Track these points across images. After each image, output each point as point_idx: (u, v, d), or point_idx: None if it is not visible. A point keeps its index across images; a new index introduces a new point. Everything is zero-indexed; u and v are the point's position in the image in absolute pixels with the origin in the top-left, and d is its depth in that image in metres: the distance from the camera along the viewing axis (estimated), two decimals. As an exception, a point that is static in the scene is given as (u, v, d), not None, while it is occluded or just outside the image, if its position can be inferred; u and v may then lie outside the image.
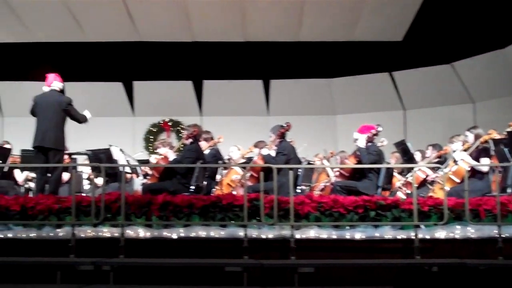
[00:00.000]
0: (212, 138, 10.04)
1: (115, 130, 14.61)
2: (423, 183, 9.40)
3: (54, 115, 8.66)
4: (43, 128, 8.59)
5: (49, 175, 8.69)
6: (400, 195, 9.12)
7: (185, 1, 11.95)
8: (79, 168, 10.41)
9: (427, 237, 7.25)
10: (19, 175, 10.41)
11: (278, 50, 14.25)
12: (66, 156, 10.08)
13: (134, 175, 10.64)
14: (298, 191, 9.09)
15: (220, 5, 12.12)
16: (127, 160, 10.10)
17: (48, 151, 8.58)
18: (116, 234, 7.32)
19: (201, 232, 7.39)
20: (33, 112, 8.78)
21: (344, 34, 13.53)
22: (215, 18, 12.62)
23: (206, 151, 9.64)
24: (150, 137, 15.50)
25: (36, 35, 13.53)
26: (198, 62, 14.68)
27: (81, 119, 8.92)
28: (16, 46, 14.01)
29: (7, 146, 10.16)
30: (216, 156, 9.82)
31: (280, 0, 11.95)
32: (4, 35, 13.67)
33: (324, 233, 7.37)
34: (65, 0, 11.98)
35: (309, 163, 10.60)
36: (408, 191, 9.25)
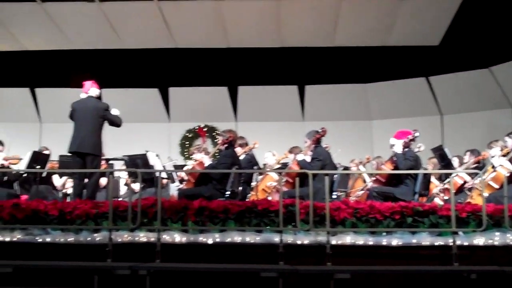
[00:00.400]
0: (247, 144, 10.05)
1: (151, 135, 14.73)
2: (461, 189, 9.27)
3: (92, 121, 8.79)
4: (81, 134, 8.72)
5: (86, 180, 8.81)
6: (438, 201, 9.00)
7: (221, 7, 12.00)
8: (116, 174, 10.52)
9: (465, 244, 7.15)
10: (58, 180, 10.57)
11: (314, 55, 14.21)
12: (103, 162, 10.21)
13: (169, 181, 10.71)
14: (334, 196, 9.04)
15: (255, 11, 12.13)
16: (163, 166, 10.16)
17: (85, 156, 8.69)
18: (153, 239, 7.37)
19: (236, 238, 7.39)
20: (72, 118, 8.92)
21: (380, 39, 13.43)
22: (250, 24, 12.64)
23: (241, 157, 9.65)
24: (186, 142, 15.56)
25: (75, 42, 13.73)
26: (233, 68, 14.72)
27: (120, 123, 9.03)
28: (55, 53, 14.24)
29: (46, 152, 10.32)
30: (251, 161, 9.83)
31: (316, 5, 11.91)
32: (43, 43, 13.91)
33: (360, 239, 7.32)
34: (103, 8, 12.11)
35: (345, 169, 10.55)
36: (446, 197, 9.12)
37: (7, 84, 15.13)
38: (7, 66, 14.77)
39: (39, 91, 15.26)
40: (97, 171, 8.81)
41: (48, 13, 12.33)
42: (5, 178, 9.96)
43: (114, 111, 9.05)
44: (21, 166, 9.75)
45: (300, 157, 9.07)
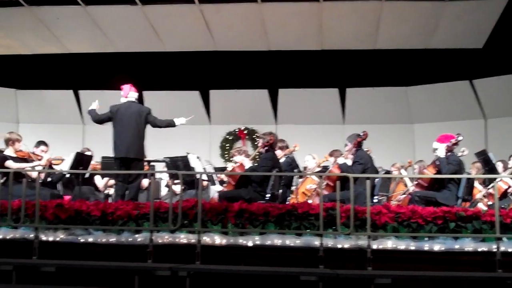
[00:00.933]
0: (287, 147, 10.03)
1: (192, 138, 14.81)
2: (505, 194, 9.11)
3: (135, 126, 8.88)
4: (126, 139, 8.82)
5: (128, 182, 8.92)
6: (481, 206, 8.85)
7: (261, 10, 12.00)
8: (158, 175, 10.61)
9: (510, 250, 7.01)
10: (100, 181, 10.70)
11: (355, 58, 14.12)
12: (145, 163, 10.31)
13: (210, 183, 10.75)
14: (375, 200, 8.96)
15: (296, 13, 12.10)
16: (203, 168, 10.21)
17: (130, 161, 8.80)
18: (193, 241, 7.41)
19: (276, 240, 7.39)
20: (110, 121, 9.02)
21: (422, 41, 13.26)
22: (291, 26, 12.61)
23: (282, 160, 9.63)
24: (226, 145, 15.61)
25: (117, 45, 13.89)
26: (274, 70, 14.73)
27: (163, 125, 9.11)
28: (98, 56, 14.44)
29: (88, 153, 10.46)
30: (291, 164, 9.82)
31: (357, 7, 11.82)
32: (87, 46, 14.12)
33: (401, 244, 7.25)
34: (145, 11, 12.23)
35: (386, 173, 10.43)
36: (490, 202, 8.96)
37: (51, 86, 15.42)
38: (51, 69, 15.05)
39: (82, 93, 15.49)
40: (140, 173, 8.89)
41: (91, 16, 12.51)
42: (49, 178, 10.12)
43: (181, 120, 9.25)
44: (65, 167, 9.89)
45: (341, 160, 9.02)
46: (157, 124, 9.06)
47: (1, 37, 13.75)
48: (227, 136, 15.70)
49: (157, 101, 14.21)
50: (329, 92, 15.03)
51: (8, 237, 7.80)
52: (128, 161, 8.82)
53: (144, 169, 10.08)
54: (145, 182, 10.25)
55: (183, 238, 7.53)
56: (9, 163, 9.04)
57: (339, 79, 14.75)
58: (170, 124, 9.17)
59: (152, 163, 10.72)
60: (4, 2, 12.11)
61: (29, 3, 12.13)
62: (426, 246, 7.20)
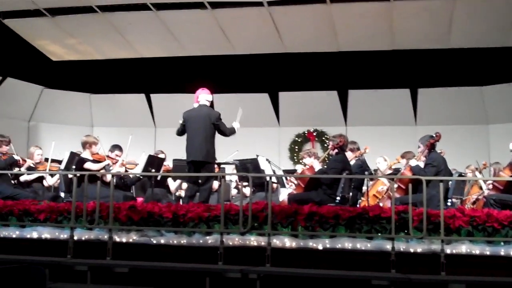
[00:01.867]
0: (358, 149, 9.91)
1: (261, 140, 14.86)
2: None
3: (205, 129, 8.96)
4: (195, 142, 8.92)
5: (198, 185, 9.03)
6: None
7: (331, 11, 11.91)
8: (228, 177, 10.68)
9: None
10: (172, 184, 10.86)
11: (427, 57, 13.83)
12: (215, 166, 10.40)
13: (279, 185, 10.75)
14: (449, 204, 8.74)
15: (366, 13, 11.95)
16: (273, 170, 10.21)
17: (201, 164, 8.89)
18: (263, 243, 7.42)
19: (347, 244, 7.32)
20: (183, 130, 9.14)
21: (498, 39, 12.85)
22: (361, 26, 12.46)
23: (352, 162, 9.53)
24: (295, 147, 15.57)
25: (188, 49, 14.08)
26: (343, 71, 14.60)
27: (228, 133, 9.17)
28: (169, 60, 14.68)
29: (161, 155, 10.63)
30: (362, 166, 9.70)
31: (429, 6, 11.57)
32: (158, 50, 14.37)
33: (476, 249, 7.07)
34: (215, 15, 12.35)
35: (460, 175, 10.17)
36: None
37: (124, 90, 15.78)
38: (124, 73, 15.40)
39: (154, 96, 15.78)
40: (211, 175, 8.97)
41: (162, 21, 12.72)
42: (123, 181, 10.35)
43: (235, 124, 9.23)
44: (138, 169, 10.09)
45: (413, 162, 8.85)
46: (221, 130, 9.11)
47: (76, 43, 14.17)
48: (296, 138, 15.65)
49: (227, 103, 14.31)
50: (400, 93, 14.78)
51: (83, 238, 8.02)
52: (199, 164, 8.91)
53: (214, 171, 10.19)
54: (215, 184, 10.34)
55: (253, 240, 7.56)
56: (88, 165, 9.29)
57: (411, 79, 14.48)
58: (232, 132, 9.22)
59: (222, 166, 10.80)
60: (78, 9, 12.47)
61: (102, 10, 12.45)
62: (502, 251, 7.00)
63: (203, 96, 9.22)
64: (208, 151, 8.93)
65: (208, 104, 9.23)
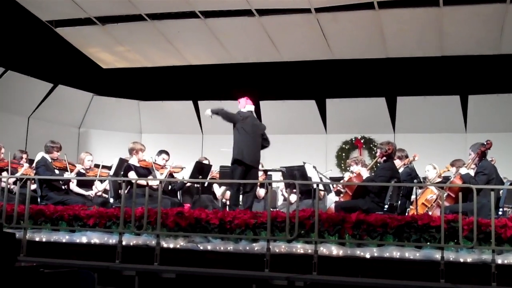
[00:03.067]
0: (406, 156, 9.78)
1: (308, 147, 14.82)
2: None
3: (258, 137, 9.23)
4: (253, 148, 9.15)
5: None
6: None
7: (379, 17, 11.80)
8: (274, 185, 10.67)
9: None
10: (218, 190, 10.90)
11: (477, 64, 13.57)
12: (261, 173, 10.43)
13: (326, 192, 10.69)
14: (500, 213, 8.56)
15: (415, 19, 11.80)
16: (320, 178, 10.16)
17: (251, 169, 8.98)
18: (310, 251, 7.39)
19: (395, 253, 7.23)
20: (232, 118, 9.36)
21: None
22: (410, 32, 12.31)
23: (401, 169, 9.41)
24: (342, 154, 15.46)
25: (235, 56, 14.14)
26: (391, 78, 14.44)
27: (267, 145, 9.44)
28: (216, 67, 14.77)
29: (205, 162, 10.69)
30: (411, 174, 9.55)
31: (479, 11, 11.34)
32: (205, 57, 14.48)
33: (529, 259, 6.87)
34: (262, 22, 12.37)
35: (512, 184, 9.94)
36: None
37: (172, 97, 15.94)
38: (172, 80, 15.57)
39: (201, 103, 15.89)
40: (258, 182, 9.04)
41: (210, 28, 12.81)
42: (170, 187, 10.45)
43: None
44: (185, 175, 10.17)
45: (463, 170, 8.69)
46: (265, 144, 9.44)
47: (125, 51, 14.39)
48: (344, 146, 15.53)
49: (274, 110, 14.34)
50: (450, 100, 14.51)
51: (131, 244, 8.11)
52: (249, 168, 9.03)
53: (261, 178, 10.23)
54: (261, 191, 10.36)
55: (299, 248, 7.53)
56: (131, 175, 9.40)
57: (461, 86, 14.22)
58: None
59: (269, 173, 10.80)
60: (128, 17, 12.67)
61: (151, 18, 12.62)
62: (556, 262, 6.79)
63: (249, 106, 9.46)
64: (259, 159, 9.31)
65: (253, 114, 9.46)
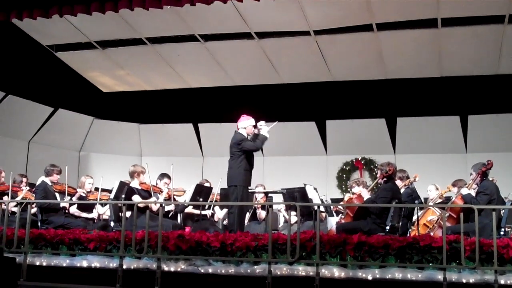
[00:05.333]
0: (407, 177, 9.78)
1: (308, 169, 14.81)
2: None
3: (231, 155, 9.28)
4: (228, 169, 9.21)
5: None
6: None
7: (378, 38, 11.85)
8: (275, 206, 10.65)
9: None
10: (219, 212, 10.88)
11: (476, 84, 13.60)
12: (262, 195, 10.42)
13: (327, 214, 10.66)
14: (502, 233, 8.52)
15: (414, 41, 11.86)
16: (320, 199, 10.15)
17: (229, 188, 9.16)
18: (311, 273, 7.35)
19: (397, 274, 7.20)
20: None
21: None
22: (408, 54, 12.37)
23: (402, 190, 9.40)
24: (343, 175, 15.45)
25: (235, 79, 14.19)
26: (391, 99, 14.47)
27: (254, 148, 9.34)
28: (216, 90, 14.82)
29: (206, 184, 10.68)
30: (412, 195, 9.56)
31: (478, 32, 11.40)
32: (206, 80, 14.54)
33: (532, 280, 6.83)
34: (261, 45, 12.44)
35: (513, 204, 9.93)
36: None
37: (172, 120, 15.96)
38: (172, 103, 15.60)
39: (202, 126, 15.91)
40: (254, 204, 8.99)
41: (210, 51, 12.88)
42: (167, 208, 10.41)
43: (264, 130, 9.39)
44: (186, 198, 10.15)
45: (464, 190, 8.68)
46: (248, 149, 9.26)
47: (125, 75, 14.45)
48: (344, 167, 15.53)
49: (274, 132, 14.31)
50: (449, 120, 14.54)
51: (132, 267, 8.07)
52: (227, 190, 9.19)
53: (262, 200, 10.21)
54: (262, 213, 10.34)
55: (301, 270, 7.49)
56: (135, 198, 9.40)
57: (460, 106, 14.24)
58: (263, 140, 9.37)
59: (269, 194, 10.79)
60: (128, 41, 12.74)
61: (151, 42, 12.69)
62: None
63: (240, 123, 9.48)
64: (230, 175, 9.15)
65: (245, 130, 9.36)
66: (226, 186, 9.48)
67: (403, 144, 14.86)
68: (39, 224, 9.62)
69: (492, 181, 8.91)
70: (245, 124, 9.41)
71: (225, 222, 10.94)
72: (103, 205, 10.44)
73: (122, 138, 16.16)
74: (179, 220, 10.53)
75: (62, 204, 9.90)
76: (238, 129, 9.40)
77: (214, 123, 15.63)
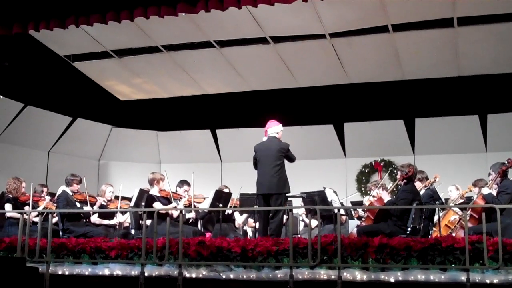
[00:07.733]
0: (426, 178, 9.72)
1: (327, 172, 14.78)
2: None
3: (275, 162, 9.05)
4: (267, 176, 9.01)
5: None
6: None
7: (394, 39, 11.78)
8: (295, 211, 10.63)
9: None
10: (239, 218, 10.89)
11: (495, 82, 13.48)
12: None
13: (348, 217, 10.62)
14: (525, 232, 8.43)
15: (430, 41, 11.77)
16: (341, 202, 10.11)
17: (269, 196, 8.91)
18: (333, 277, 7.33)
19: (420, 276, 7.15)
20: (255, 163, 9.19)
21: None
22: (425, 54, 12.29)
23: (422, 191, 9.34)
24: (362, 178, 15.39)
25: (251, 84, 14.18)
26: (409, 100, 14.40)
27: (294, 159, 9.31)
28: (233, 95, 14.82)
29: (225, 190, 10.69)
30: (432, 196, 9.49)
31: (495, 30, 11.30)
32: (222, 86, 14.54)
33: (557, 279, 6.76)
34: (277, 49, 12.42)
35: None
36: None
37: (190, 126, 16.01)
38: (189, 110, 15.64)
39: (219, 132, 15.93)
40: (279, 209, 8.93)
41: (226, 57, 12.88)
42: (191, 216, 10.44)
43: None
44: (205, 204, 10.16)
45: (485, 190, 8.60)
46: (290, 158, 9.28)
47: (142, 83, 14.51)
48: (363, 169, 15.46)
49: (292, 136, 14.29)
50: (468, 119, 14.43)
51: (153, 274, 8.10)
52: (268, 197, 8.95)
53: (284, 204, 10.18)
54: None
55: (323, 274, 7.47)
56: (156, 205, 9.44)
57: (479, 106, 14.14)
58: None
59: (289, 199, 10.76)
60: (144, 49, 12.80)
61: (167, 49, 12.72)
62: None
63: (272, 129, 9.34)
64: (277, 183, 8.96)
65: (277, 136, 9.30)
66: (247, 192, 9.46)
67: (422, 145, 14.77)
68: (60, 233, 9.69)
69: (512, 180, 8.84)
70: (277, 130, 9.37)
71: (245, 228, 10.95)
72: (123, 213, 10.48)
73: (140, 146, 16.23)
74: (199, 226, 10.55)
75: (83, 213, 9.96)
76: (267, 134, 9.34)
77: (231, 128, 15.65)
